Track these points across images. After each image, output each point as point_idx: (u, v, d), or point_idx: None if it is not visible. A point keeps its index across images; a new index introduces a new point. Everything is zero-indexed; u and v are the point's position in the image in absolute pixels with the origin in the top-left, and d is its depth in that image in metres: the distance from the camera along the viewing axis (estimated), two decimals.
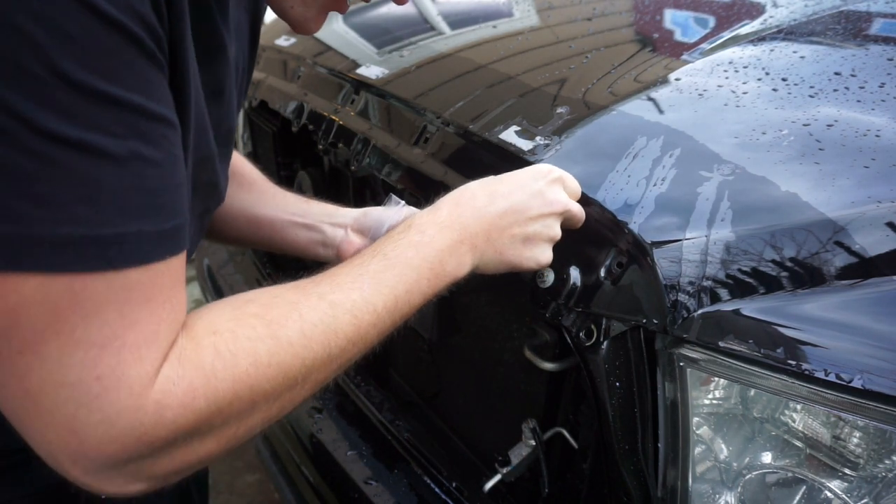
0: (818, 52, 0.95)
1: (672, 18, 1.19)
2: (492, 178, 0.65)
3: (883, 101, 0.80)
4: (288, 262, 1.55)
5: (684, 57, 0.97)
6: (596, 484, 0.79)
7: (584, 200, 0.71)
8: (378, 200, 1.22)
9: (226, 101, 0.61)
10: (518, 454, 0.87)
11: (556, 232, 0.64)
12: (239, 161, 0.87)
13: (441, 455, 1.04)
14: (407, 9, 1.48)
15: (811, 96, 0.82)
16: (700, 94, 0.84)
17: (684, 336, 0.62)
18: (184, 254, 0.46)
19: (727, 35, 1.03)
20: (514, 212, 0.62)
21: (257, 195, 0.85)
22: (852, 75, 0.86)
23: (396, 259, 0.58)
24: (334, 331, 0.51)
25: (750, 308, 0.61)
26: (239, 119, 1.70)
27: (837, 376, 0.56)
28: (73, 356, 0.39)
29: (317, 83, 1.25)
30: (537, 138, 0.81)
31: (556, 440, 0.88)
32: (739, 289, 0.63)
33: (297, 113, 1.23)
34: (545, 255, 0.64)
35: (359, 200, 1.25)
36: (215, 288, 1.56)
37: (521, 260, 0.63)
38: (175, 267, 0.44)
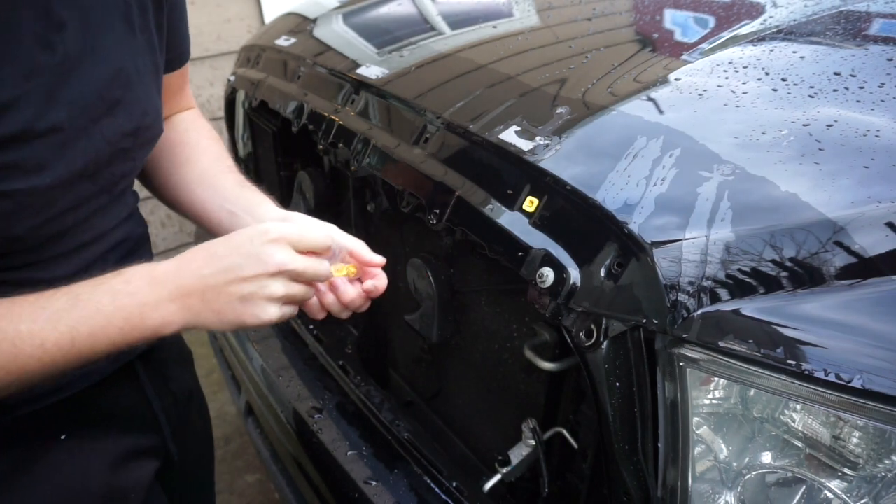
0: (818, 52, 0.95)
1: (672, 18, 1.19)
2: (216, 240, 0.66)
3: (882, 101, 0.80)
4: None
5: (684, 57, 0.97)
6: (596, 484, 0.79)
7: (584, 200, 0.71)
8: (378, 200, 1.22)
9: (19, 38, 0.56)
10: (518, 454, 0.87)
11: (274, 291, 0.64)
12: (193, 137, 0.87)
13: (441, 455, 1.04)
14: (407, 9, 1.48)
15: (811, 96, 0.82)
16: (700, 94, 0.84)
17: (684, 336, 0.62)
18: None
19: (727, 35, 1.03)
20: (227, 272, 0.62)
21: (199, 172, 0.84)
22: (852, 75, 0.86)
23: (87, 302, 0.58)
24: None
25: (750, 308, 0.61)
26: (240, 121, 1.70)
27: (837, 376, 0.56)
28: None
29: (317, 83, 1.25)
30: (537, 138, 0.81)
31: (556, 440, 0.88)
32: (739, 289, 0.63)
33: (297, 113, 1.23)
34: (267, 312, 0.64)
35: (359, 200, 1.25)
36: None
37: (241, 318, 0.64)
38: None
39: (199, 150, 0.86)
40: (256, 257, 0.63)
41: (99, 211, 0.71)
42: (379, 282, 0.75)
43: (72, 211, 0.66)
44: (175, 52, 0.81)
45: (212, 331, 0.63)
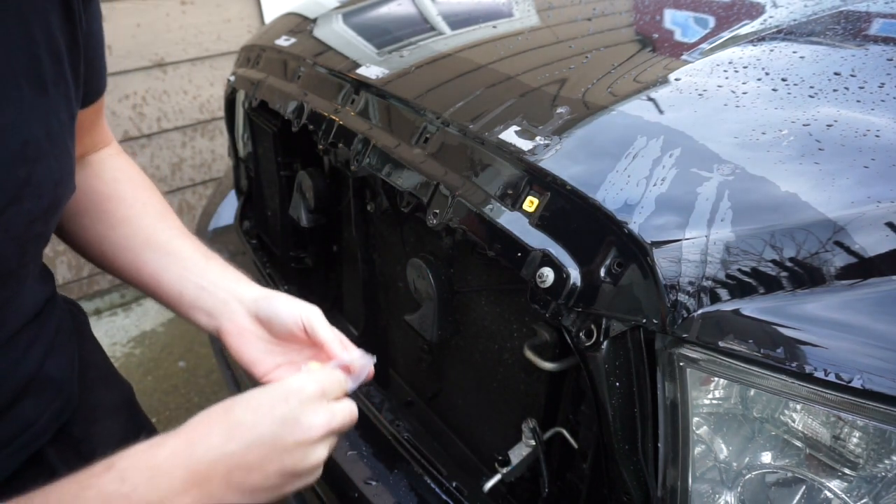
0: (818, 52, 0.95)
1: (672, 18, 1.19)
2: (232, 401, 0.54)
3: (883, 101, 0.80)
4: (290, 266, 1.55)
5: (684, 57, 0.97)
6: (596, 484, 0.79)
7: (584, 200, 0.71)
8: (378, 200, 1.22)
9: None
10: (518, 454, 0.87)
11: (321, 455, 0.55)
12: (127, 190, 0.75)
13: (441, 455, 1.04)
14: (407, 9, 1.48)
15: (811, 96, 0.82)
16: (700, 94, 0.84)
17: (684, 336, 0.62)
18: None
19: (727, 35, 1.03)
20: (261, 444, 0.51)
21: (145, 236, 0.72)
22: (852, 75, 0.86)
23: None
24: None
25: (750, 308, 0.61)
26: (240, 121, 1.70)
27: (837, 376, 0.56)
28: None
29: (317, 83, 1.25)
30: (537, 138, 0.81)
31: (556, 440, 0.88)
32: (739, 289, 0.63)
33: (297, 113, 1.23)
34: (312, 476, 0.56)
35: (359, 200, 1.25)
36: None
37: (282, 490, 0.54)
38: None
39: (137, 207, 0.74)
40: (297, 422, 0.52)
41: (8, 304, 0.58)
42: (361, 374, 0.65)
43: None
44: (90, 87, 0.67)
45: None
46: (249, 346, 0.68)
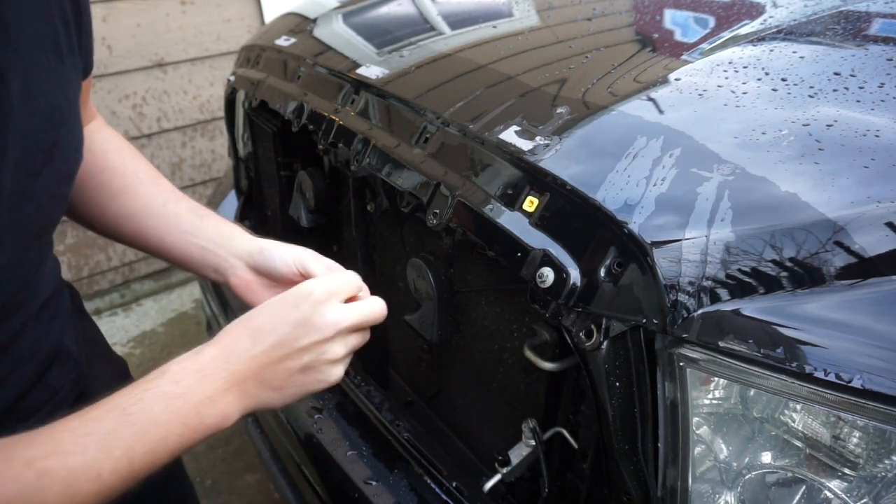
0: (818, 52, 0.95)
1: (672, 18, 1.19)
2: (253, 312, 0.60)
3: (882, 101, 0.80)
4: None
5: (684, 57, 0.97)
6: (596, 484, 0.79)
7: (584, 200, 0.71)
8: (378, 200, 1.22)
9: None
10: (518, 454, 0.87)
11: (336, 353, 0.60)
12: (118, 160, 0.78)
13: (441, 455, 1.04)
14: (407, 9, 1.48)
15: (811, 96, 0.82)
16: (700, 94, 0.84)
17: (684, 336, 0.62)
18: None
19: (727, 35, 1.03)
20: (281, 346, 0.58)
21: (143, 202, 0.76)
22: (852, 75, 0.86)
23: (138, 415, 0.51)
24: None
25: (750, 308, 0.61)
26: (240, 121, 1.70)
27: (837, 376, 0.56)
28: None
29: (317, 83, 1.25)
30: (537, 138, 0.81)
31: (556, 440, 0.88)
32: (739, 289, 0.63)
33: (297, 113, 1.23)
34: (332, 375, 0.61)
35: (359, 200, 1.25)
36: (215, 288, 1.56)
37: (305, 388, 0.60)
38: None
39: (131, 175, 0.78)
40: (308, 324, 0.58)
41: (41, 266, 0.64)
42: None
43: (23, 278, 0.59)
44: (86, 61, 0.70)
45: (273, 409, 0.56)
46: (259, 296, 0.73)
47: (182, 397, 0.53)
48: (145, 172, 0.79)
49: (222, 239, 0.74)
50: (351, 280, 0.65)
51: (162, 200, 0.76)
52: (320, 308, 0.59)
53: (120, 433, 0.50)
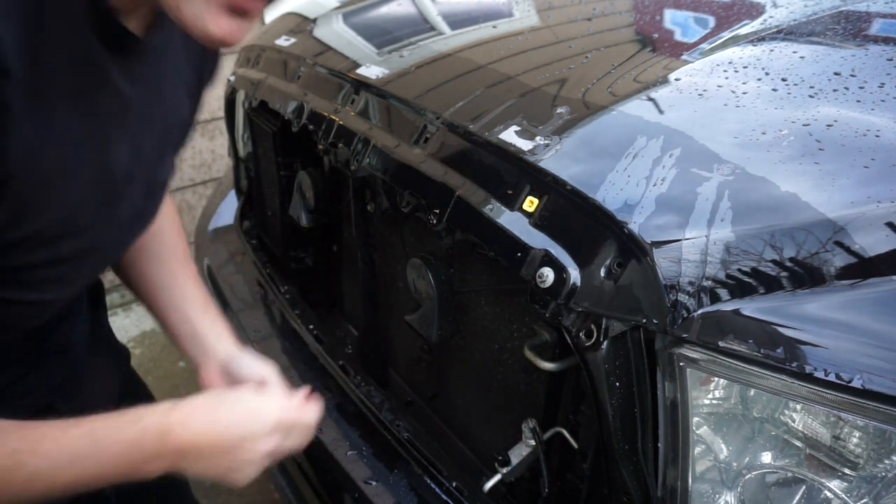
0: (818, 52, 0.95)
1: (672, 18, 1.19)
2: (220, 400, 0.68)
3: (883, 101, 0.80)
4: (290, 266, 1.55)
5: (684, 57, 0.97)
6: (596, 484, 0.79)
7: (585, 200, 0.71)
8: (378, 200, 1.22)
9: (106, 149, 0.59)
10: (518, 454, 0.87)
11: (261, 466, 0.68)
12: (166, 224, 0.86)
13: (441, 455, 1.04)
14: (407, 9, 1.48)
15: (811, 96, 0.82)
16: (700, 94, 0.84)
17: (684, 336, 0.62)
18: None
19: (727, 35, 1.03)
20: (224, 443, 0.65)
21: (168, 275, 0.85)
22: (852, 75, 0.86)
23: (105, 448, 0.60)
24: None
25: (750, 308, 0.61)
26: (240, 121, 1.70)
27: (837, 376, 0.56)
28: None
29: (317, 83, 1.25)
30: (537, 138, 0.81)
31: (556, 440, 0.88)
32: (739, 289, 0.63)
33: (297, 113, 1.23)
34: (249, 476, 0.68)
35: (359, 200, 1.25)
36: (216, 288, 1.56)
37: (224, 477, 0.67)
38: None
39: (167, 247, 0.87)
40: (252, 441, 0.66)
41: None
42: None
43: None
44: None
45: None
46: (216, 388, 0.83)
47: (139, 447, 0.61)
48: (180, 250, 0.88)
49: (211, 337, 0.83)
50: (299, 424, 0.71)
51: (182, 281, 0.86)
52: (267, 437, 0.67)
53: (85, 457, 0.59)
